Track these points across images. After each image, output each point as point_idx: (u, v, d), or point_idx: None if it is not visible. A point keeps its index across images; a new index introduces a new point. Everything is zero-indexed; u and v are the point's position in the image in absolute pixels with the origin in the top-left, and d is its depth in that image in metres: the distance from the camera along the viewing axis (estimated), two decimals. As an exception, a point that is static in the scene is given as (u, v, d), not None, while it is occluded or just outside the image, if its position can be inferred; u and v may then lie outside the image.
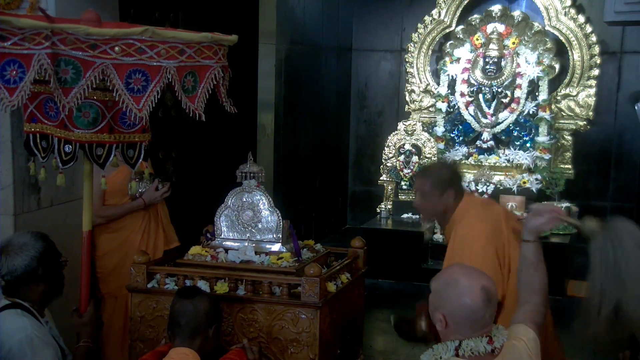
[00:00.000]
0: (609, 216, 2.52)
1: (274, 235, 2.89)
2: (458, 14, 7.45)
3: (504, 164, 6.88)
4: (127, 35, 2.27)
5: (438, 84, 7.45)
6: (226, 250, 2.92)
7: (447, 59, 7.35)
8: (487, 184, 6.65)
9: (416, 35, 7.62)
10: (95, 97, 2.41)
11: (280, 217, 2.88)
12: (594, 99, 7.08)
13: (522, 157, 6.85)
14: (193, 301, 2.53)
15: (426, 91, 7.60)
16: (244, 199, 2.90)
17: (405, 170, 7.01)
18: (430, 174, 3.19)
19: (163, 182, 3.90)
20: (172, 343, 2.55)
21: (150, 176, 3.78)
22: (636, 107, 6.37)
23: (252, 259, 2.85)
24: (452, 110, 7.26)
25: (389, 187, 7.17)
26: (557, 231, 6.45)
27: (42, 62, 2.18)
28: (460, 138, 7.24)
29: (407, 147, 7.03)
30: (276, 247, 2.89)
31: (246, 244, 2.89)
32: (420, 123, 7.19)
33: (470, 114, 7.12)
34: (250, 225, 2.91)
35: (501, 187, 6.69)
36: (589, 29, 7.00)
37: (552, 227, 2.48)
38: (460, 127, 7.23)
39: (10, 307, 2.51)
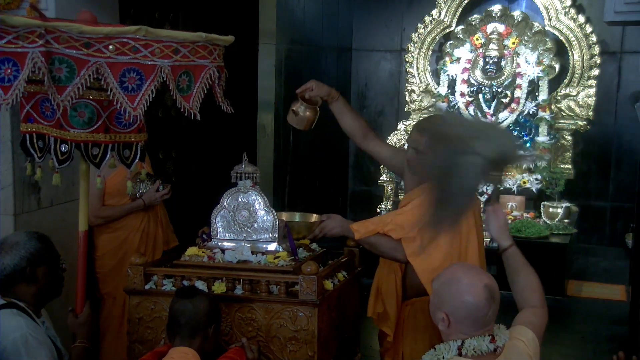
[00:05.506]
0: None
1: (270, 235, 2.89)
2: (458, 14, 7.44)
3: (504, 164, 6.86)
4: (121, 34, 2.27)
5: (438, 84, 7.45)
6: (223, 250, 2.92)
7: (447, 59, 7.35)
8: (487, 184, 6.64)
9: (416, 35, 7.61)
10: (90, 97, 2.41)
11: (276, 217, 2.89)
12: (594, 99, 7.07)
13: (522, 157, 6.84)
14: (193, 301, 2.54)
15: (426, 91, 7.60)
16: (240, 199, 2.90)
17: (406, 170, 7.00)
18: (428, 130, 2.77)
19: (164, 184, 3.90)
20: (171, 343, 2.56)
21: (147, 176, 3.78)
22: (636, 107, 6.36)
23: (249, 259, 2.85)
24: (452, 110, 7.26)
25: (389, 187, 7.17)
26: (557, 231, 6.45)
27: (35, 60, 2.19)
28: (461, 138, 7.23)
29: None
30: (272, 246, 2.89)
31: (242, 244, 2.89)
32: (420, 123, 7.18)
33: (471, 114, 7.11)
34: (246, 225, 2.91)
35: (501, 187, 6.69)
36: (589, 29, 6.99)
37: (504, 216, 2.49)
38: (461, 127, 7.22)
39: (5, 306, 2.50)
